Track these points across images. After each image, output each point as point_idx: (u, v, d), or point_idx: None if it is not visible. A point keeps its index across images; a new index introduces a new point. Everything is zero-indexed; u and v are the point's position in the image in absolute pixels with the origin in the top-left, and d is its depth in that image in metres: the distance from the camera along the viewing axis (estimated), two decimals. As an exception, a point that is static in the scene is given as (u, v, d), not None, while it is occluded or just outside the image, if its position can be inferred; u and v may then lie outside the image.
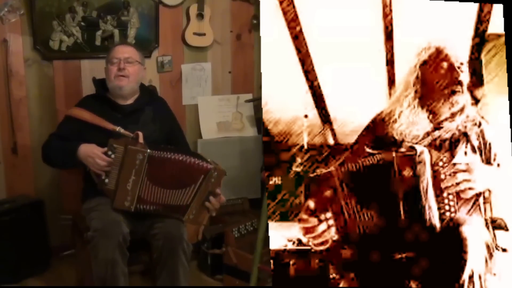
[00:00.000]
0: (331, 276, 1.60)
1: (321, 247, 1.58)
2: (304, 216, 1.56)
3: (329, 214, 1.57)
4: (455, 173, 1.64)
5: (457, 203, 1.65)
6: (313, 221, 1.56)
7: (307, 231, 1.57)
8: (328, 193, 1.58)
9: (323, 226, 1.57)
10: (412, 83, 1.67)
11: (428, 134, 1.67)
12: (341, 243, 1.59)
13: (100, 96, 2.48)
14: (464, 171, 1.65)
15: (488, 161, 1.73)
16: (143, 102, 2.51)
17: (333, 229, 1.57)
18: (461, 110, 1.70)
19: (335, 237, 1.58)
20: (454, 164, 1.65)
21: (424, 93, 1.67)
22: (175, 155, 2.22)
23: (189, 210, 2.24)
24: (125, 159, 2.17)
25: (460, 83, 1.69)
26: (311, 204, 1.57)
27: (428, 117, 1.68)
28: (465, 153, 1.68)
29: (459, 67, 1.70)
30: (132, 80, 2.43)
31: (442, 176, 1.64)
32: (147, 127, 2.43)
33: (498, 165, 1.73)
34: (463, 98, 1.70)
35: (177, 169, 2.23)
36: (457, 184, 1.64)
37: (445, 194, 1.64)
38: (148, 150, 2.18)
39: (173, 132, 2.59)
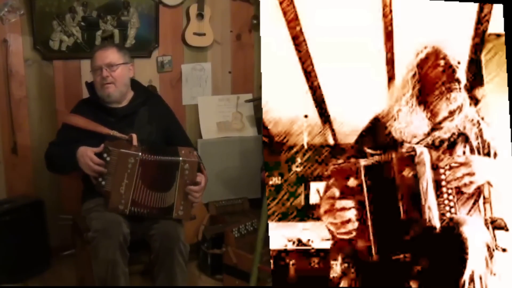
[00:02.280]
0: (331, 276, 1.60)
1: (346, 236, 1.56)
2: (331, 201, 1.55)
3: (351, 203, 1.56)
4: (455, 167, 1.64)
5: (457, 203, 1.65)
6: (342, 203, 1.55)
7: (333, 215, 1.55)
8: (352, 182, 1.57)
9: (350, 213, 1.56)
10: (411, 82, 1.67)
11: (428, 134, 1.67)
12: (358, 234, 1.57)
13: (93, 100, 2.44)
14: (464, 164, 1.65)
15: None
16: (137, 104, 2.46)
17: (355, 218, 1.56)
18: (460, 109, 1.70)
19: (356, 225, 1.56)
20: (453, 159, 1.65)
21: (423, 92, 1.67)
22: (162, 157, 2.21)
23: (175, 207, 2.24)
24: (118, 162, 2.16)
25: (457, 80, 1.69)
26: (336, 192, 1.55)
27: (427, 116, 1.68)
28: (464, 153, 1.68)
29: (456, 66, 1.70)
30: (119, 84, 2.37)
31: (443, 177, 1.64)
32: (143, 129, 2.40)
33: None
34: (460, 96, 1.70)
35: (161, 171, 2.22)
36: (459, 178, 1.63)
37: (445, 196, 1.64)
38: (140, 154, 2.17)
39: (170, 129, 2.54)
